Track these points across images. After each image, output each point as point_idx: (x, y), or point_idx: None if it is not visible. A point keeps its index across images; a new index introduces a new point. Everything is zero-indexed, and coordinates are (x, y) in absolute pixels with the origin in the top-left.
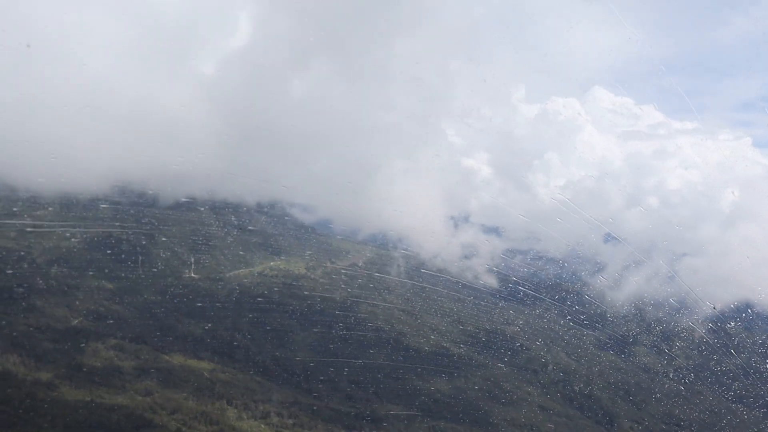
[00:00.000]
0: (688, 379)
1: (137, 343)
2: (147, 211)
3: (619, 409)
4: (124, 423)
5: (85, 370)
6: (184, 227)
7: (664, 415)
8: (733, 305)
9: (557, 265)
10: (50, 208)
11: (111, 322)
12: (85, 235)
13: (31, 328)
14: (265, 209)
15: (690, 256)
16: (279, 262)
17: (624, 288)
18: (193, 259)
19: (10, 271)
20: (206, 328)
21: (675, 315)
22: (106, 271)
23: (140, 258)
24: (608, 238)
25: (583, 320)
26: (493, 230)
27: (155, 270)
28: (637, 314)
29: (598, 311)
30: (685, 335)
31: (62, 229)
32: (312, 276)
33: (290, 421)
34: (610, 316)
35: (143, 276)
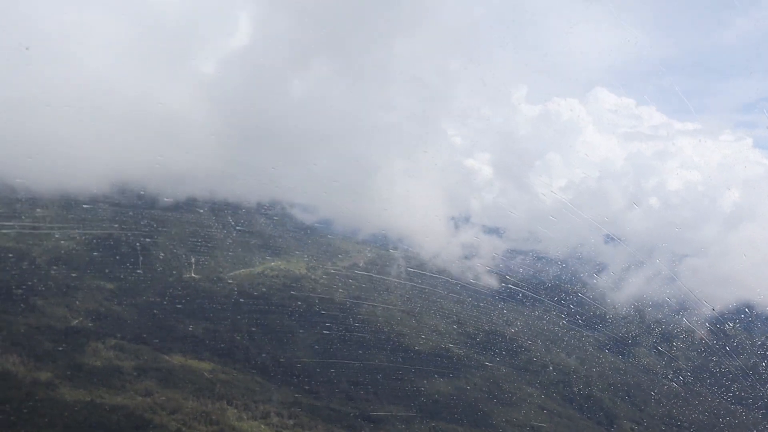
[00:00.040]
0: (688, 380)
1: (137, 344)
2: (147, 212)
3: (619, 410)
4: (124, 423)
5: (84, 370)
6: (184, 227)
7: (664, 416)
8: (732, 305)
9: (558, 265)
10: (50, 209)
11: (111, 322)
12: (85, 236)
13: (31, 328)
14: (266, 209)
15: (690, 257)
16: (279, 263)
17: (624, 289)
18: (193, 260)
19: (10, 272)
20: (206, 328)
21: (675, 316)
22: (106, 271)
23: (140, 258)
24: (609, 238)
25: (584, 321)
26: (494, 231)
27: (155, 270)
28: (637, 315)
29: (599, 312)
30: (685, 336)
31: (62, 229)
32: (312, 276)
33: (290, 422)
34: (610, 317)
35: (143, 276)
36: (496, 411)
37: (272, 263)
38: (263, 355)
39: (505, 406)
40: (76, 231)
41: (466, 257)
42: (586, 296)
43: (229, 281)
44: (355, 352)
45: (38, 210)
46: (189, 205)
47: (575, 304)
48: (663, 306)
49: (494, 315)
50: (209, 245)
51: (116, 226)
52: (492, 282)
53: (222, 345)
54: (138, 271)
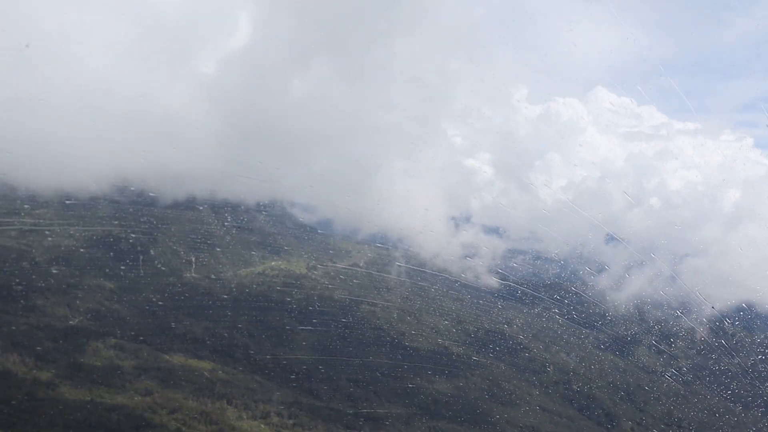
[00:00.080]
0: (688, 379)
1: (137, 343)
2: (147, 211)
3: (620, 410)
4: (124, 422)
5: (85, 369)
6: (185, 227)
7: (664, 415)
8: (733, 305)
9: (558, 265)
10: (50, 208)
11: (111, 321)
12: (85, 234)
13: (31, 328)
14: (266, 209)
15: (691, 257)
16: (280, 262)
17: (625, 288)
18: (193, 259)
19: (10, 270)
20: (206, 327)
21: (675, 315)
22: (107, 270)
23: (140, 257)
24: (609, 238)
25: (584, 320)
26: (494, 230)
27: (155, 269)
28: (637, 314)
29: (599, 311)
30: (685, 335)
31: (62, 228)
32: (313, 276)
33: (290, 421)
34: (610, 316)
35: (143, 275)
36: (496, 410)
37: (272, 263)
38: (263, 354)
39: (505, 405)
40: (76, 229)
41: (466, 257)
42: (587, 295)
43: (230, 280)
44: (355, 352)
45: (38, 209)
46: (189, 204)
47: (575, 303)
48: (663, 305)
49: (494, 314)
50: (209, 244)
51: (116, 225)
52: (492, 281)
53: (222, 344)
54: (138, 270)
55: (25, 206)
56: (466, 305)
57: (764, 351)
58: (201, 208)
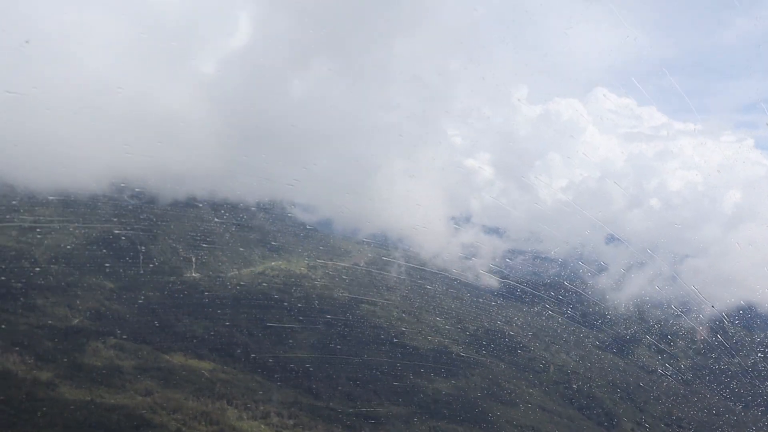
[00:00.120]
0: (688, 379)
1: (137, 343)
2: (147, 210)
3: (620, 409)
4: (124, 423)
5: (85, 369)
6: (185, 226)
7: (664, 415)
8: (733, 305)
9: (558, 265)
10: (50, 207)
11: (111, 321)
12: (85, 234)
13: (31, 327)
14: (266, 208)
15: (691, 257)
16: (280, 262)
17: (625, 288)
18: (194, 259)
19: (10, 269)
20: (207, 327)
21: (675, 315)
22: (107, 269)
23: (140, 256)
24: (610, 238)
25: (584, 320)
26: (495, 230)
27: (156, 268)
28: (637, 314)
29: (599, 311)
30: (685, 335)
31: (62, 227)
32: (313, 276)
33: (290, 422)
34: (610, 316)
35: (143, 274)
36: (496, 409)
37: (273, 262)
38: (263, 354)
39: (505, 404)
40: (76, 228)
41: (466, 257)
42: (587, 295)
43: (230, 280)
44: (355, 351)
45: (38, 208)
46: (189, 203)
47: (575, 302)
48: (663, 305)
49: (494, 313)
50: (209, 244)
51: (116, 224)
52: (492, 281)
53: (222, 344)
54: (138, 269)
55: (26, 206)
56: (466, 304)
57: (764, 350)
58: (201, 207)
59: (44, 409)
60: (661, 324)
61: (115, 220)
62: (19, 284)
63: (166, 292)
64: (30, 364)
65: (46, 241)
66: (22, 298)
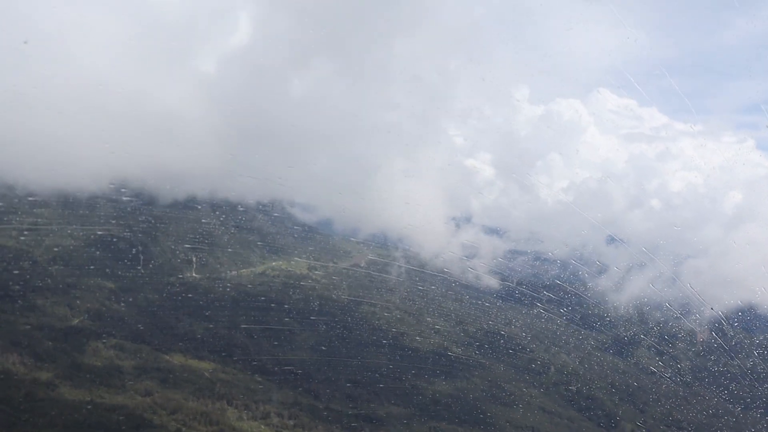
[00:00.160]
0: (689, 381)
1: (137, 343)
2: (147, 210)
3: (620, 411)
4: (124, 423)
5: (84, 369)
6: (185, 226)
7: (664, 417)
8: (733, 306)
9: (558, 266)
10: (50, 207)
11: (111, 321)
12: (84, 234)
13: (31, 328)
14: (266, 209)
15: (692, 258)
16: (280, 262)
17: (625, 289)
18: (194, 259)
19: (10, 270)
20: (207, 327)
21: (676, 316)
22: (107, 269)
23: (140, 257)
24: (610, 239)
25: (584, 321)
26: (495, 231)
27: (155, 269)
28: (637, 316)
29: (599, 312)
30: (685, 337)
31: (62, 227)
32: (313, 276)
33: (290, 422)
34: (611, 318)
35: (143, 275)
36: (496, 411)
37: (273, 263)
38: (263, 354)
39: (505, 405)
40: (76, 229)
41: (466, 257)
42: (587, 296)
43: (230, 281)
44: (355, 352)
45: (38, 208)
46: (189, 203)
47: (575, 304)
48: (663, 306)
49: (494, 315)
50: (209, 244)
51: (116, 224)
52: (492, 282)
53: (222, 345)
54: (138, 270)
55: (25, 206)
56: (466, 306)
57: (763, 352)
58: (201, 207)
59: (44, 409)
60: (661, 325)
61: (114, 220)
62: (19, 285)
63: (166, 293)
64: (30, 365)
65: (45, 242)
66: (21, 299)
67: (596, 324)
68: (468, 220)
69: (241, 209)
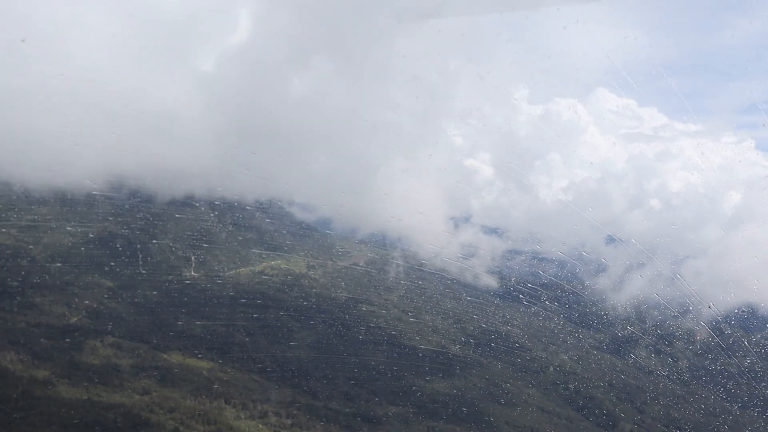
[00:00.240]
0: (687, 380)
1: (135, 341)
2: (145, 208)
3: (618, 410)
4: (122, 422)
5: (82, 368)
6: (183, 224)
7: (663, 417)
8: (732, 306)
9: (557, 266)
10: (48, 205)
11: (109, 319)
12: (83, 232)
13: (28, 325)
14: (264, 207)
15: (691, 258)
16: (279, 261)
17: (624, 289)
18: (192, 257)
19: (8, 268)
20: (205, 326)
21: (674, 316)
22: (105, 268)
23: (139, 255)
24: (609, 239)
25: (584, 321)
26: (494, 231)
27: (154, 267)
28: (637, 316)
29: (598, 312)
30: (684, 336)
31: (60, 225)
32: (312, 275)
33: (288, 421)
34: (609, 317)
35: (142, 273)
36: (494, 410)
37: (272, 262)
38: (262, 353)
39: (504, 405)
40: (74, 227)
41: (465, 257)
42: (586, 296)
43: (228, 279)
44: (354, 351)
45: (36, 206)
46: (187, 202)
47: (574, 303)
48: (662, 306)
49: (493, 314)
50: (208, 243)
51: (114, 222)
52: (491, 282)
53: (220, 343)
54: (137, 268)
55: (23, 204)
56: (465, 304)
57: (761, 351)
58: (199, 205)
59: (41, 407)
60: (659, 325)
61: (112, 218)
62: (17, 282)
63: (164, 291)
64: (27, 363)
65: (44, 240)
66: (19, 297)
67: (594, 323)
68: (467, 219)
69: (240, 208)
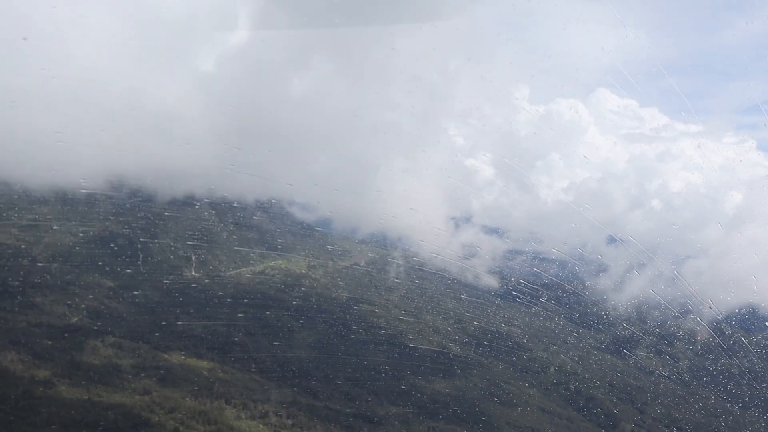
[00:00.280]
0: (687, 380)
1: (136, 341)
2: (145, 208)
3: (619, 410)
4: (122, 422)
5: (83, 368)
6: (184, 224)
7: (664, 417)
8: (733, 306)
9: (558, 266)
10: (48, 204)
11: (110, 319)
12: (83, 232)
13: (29, 325)
14: (265, 207)
15: (692, 258)
16: (280, 261)
17: (625, 289)
18: (193, 257)
19: (8, 267)
20: (206, 326)
21: (675, 316)
22: (106, 267)
23: (139, 255)
24: (610, 239)
25: (584, 322)
26: (495, 231)
27: (154, 267)
28: (638, 316)
29: (599, 312)
30: (685, 336)
31: (60, 225)
32: (313, 275)
33: (289, 421)
34: (610, 317)
35: (143, 273)
36: (495, 410)
37: (273, 261)
38: (262, 353)
39: (504, 405)
40: (75, 226)
41: (466, 257)
42: (586, 296)
43: (229, 279)
44: (354, 351)
45: (37, 206)
46: (188, 201)
47: (575, 303)
48: (664, 307)
49: (493, 314)
50: (209, 242)
51: (115, 222)
52: (492, 282)
53: (221, 343)
54: (137, 268)
55: (24, 203)
56: (465, 304)
57: (762, 352)
58: (199, 205)
59: (42, 407)
60: (660, 325)
61: (113, 218)
62: (18, 282)
63: (165, 291)
64: (28, 363)
65: (44, 239)
66: (20, 296)
67: (595, 323)
68: (468, 219)
69: (240, 207)
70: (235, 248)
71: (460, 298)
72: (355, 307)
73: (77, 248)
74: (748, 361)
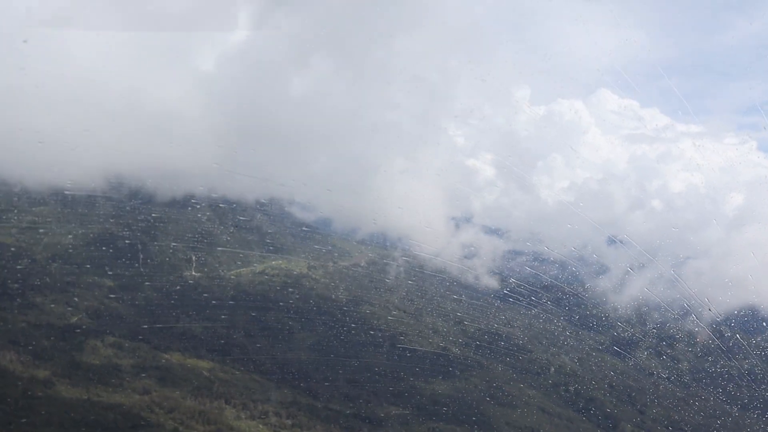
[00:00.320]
0: (688, 382)
1: (136, 341)
2: (145, 208)
3: (619, 412)
4: (122, 421)
5: (83, 368)
6: (183, 224)
7: (664, 419)
8: (734, 308)
9: (558, 267)
10: (48, 205)
11: (110, 319)
12: (83, 232)
13: (29, 325)
14: (265, 207)
15: (693, 259)
16: (280, 262)
17: (625, 290)
18: (193, 257)
19: (9, 268)
20: (205, 326)
21: (675, 317)
22: (105, 268)
23: (139, 255)
24: (611, 240)
25: (584, 323)
26: (495, 231)
27: (154, 267)
28: (638, 318)
29: (599, 313)
30: (686, 339)
31: (60, 225)
32: (313, 276)
33: (289, 422)
34: (610, 318)
35: (143, 273)
36: (495, 411)
37: (272, 262)
38: (262, 354)
39: (504, 406)
40: (75, 227)
41: (466, 257)
42: (586, 297)
43: (229, 280)
44: (354, 352)
45: (36, 206)
46: (187, 202)
47: (575, 305)
48: (664, 308)
49: (494, 315)
50: (209, 243)
51: (115, 223)
52: (492, 282)
53: (221, 343)
54: (137, 268)
55: (24, 204)
56: (466, 306)
57: (761, 353)
58: (199, 206)
59: (41, 407)
60: (660, 326)
61: (113, 219)
62: (18, 282)
63: (165, 291)
64: (27, 362)
65: (44, 240)
66: (20, 297)
67: (595, 325)
68: (468, 220)
69: (240, 208)
70: (235, 249)
71: (461, 299)
72: (355, 308)
73: (77, 249)
74: (747, 363)
